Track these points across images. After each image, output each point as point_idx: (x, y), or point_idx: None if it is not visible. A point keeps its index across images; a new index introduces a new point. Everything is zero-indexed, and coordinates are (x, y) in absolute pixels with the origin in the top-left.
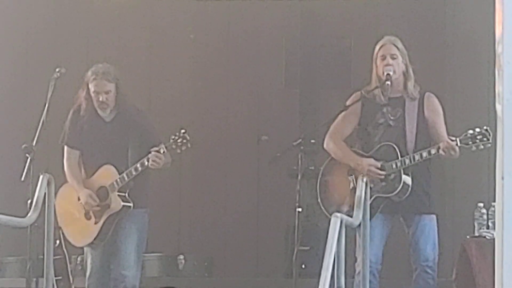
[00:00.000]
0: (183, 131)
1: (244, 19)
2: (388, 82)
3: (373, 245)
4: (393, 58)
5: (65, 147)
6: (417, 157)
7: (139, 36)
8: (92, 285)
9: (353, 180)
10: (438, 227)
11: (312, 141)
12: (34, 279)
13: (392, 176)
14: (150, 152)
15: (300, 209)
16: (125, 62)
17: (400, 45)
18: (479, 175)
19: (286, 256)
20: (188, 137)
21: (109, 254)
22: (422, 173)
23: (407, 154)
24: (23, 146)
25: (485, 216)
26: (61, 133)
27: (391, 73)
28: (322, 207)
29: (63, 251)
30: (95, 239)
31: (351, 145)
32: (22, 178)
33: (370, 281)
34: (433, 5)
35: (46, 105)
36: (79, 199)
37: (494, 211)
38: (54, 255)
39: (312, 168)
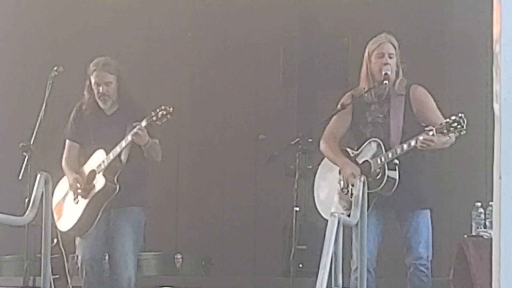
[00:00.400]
0: (163, 106)
1: (242, 18)
2: (386, 82)
3: (368, 242)
4: (390, 57)
5: (67, 141)
6: (399, 150)
7: (137, 35)
8: (86, 279)
9: (342, 178)
10: (433, 224)
11: (310, 140)
12: (32, 278)
13: (378, 171)
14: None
15: (297, 208)
16: (123, 61)
17: (396, 44)
18: (476, 174)
19: (283, 255)
20: (169, 109)
21: (100, 246)
22: (411, 168)
23: (391, 149)
24: (21, 144)
25: (482, 216)
26: (65, 128)
27: (389, 72)
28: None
29: (61, 249)
30: (79, 219)
31: (347, 145)
32: (20, 177)
33: (366, 279)
34: (431, 4)
35: (44, 104)
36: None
37: (491, 211)
38: (51, 254)
39: (310, 167)
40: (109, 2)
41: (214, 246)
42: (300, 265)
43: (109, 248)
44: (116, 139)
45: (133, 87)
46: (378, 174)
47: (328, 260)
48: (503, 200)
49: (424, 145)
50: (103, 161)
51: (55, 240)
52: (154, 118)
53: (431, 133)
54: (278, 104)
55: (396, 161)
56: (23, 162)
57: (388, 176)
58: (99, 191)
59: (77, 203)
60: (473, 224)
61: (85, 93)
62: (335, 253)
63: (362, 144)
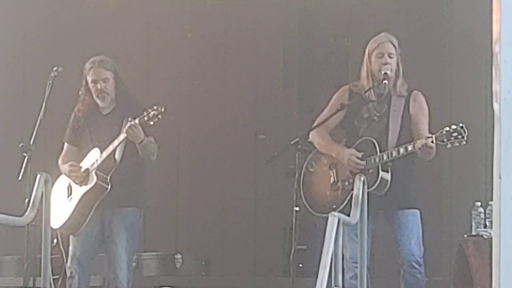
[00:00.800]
0: (155, 107)
1: (241, 17)
2: (386, 81)
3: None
4: (390, 57)
5: (65, 144)
6: (394, 153)
7: (137, 35)
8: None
9: (334, 174)
10: (433, 223)
11: (309, 140)
12: (31, 278)
13: (371, 170)
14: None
15: (297, 208)
16: (123, 61)
17: (396, 43)
18: (476, 174)
19: (283, 255)
20: (160, 109)
21: (92, 244)
22: (403, 169)
23: (387, 150)
24: (21, 145)
25: (482, 215)
26: (65, 131)
27: (389, 72)
28: (306, 205)
29: (61, 250)
30: (70, 217)
31: (339, 140)
32: (20, 177)
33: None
34: (431, 4)
35: (44, 104)
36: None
37: (491, 210)
38: (51, 254)
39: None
40: (109, 2)
41: (214, 246)
42: (300, 265)
43: (103, 249)
44: (112, 138)
45: (133, 87)
46: (371, 174)
47: (328, 260)
48: (503, 200)
49: (423, 152)
50: (96, 160)
51: (55, 241)
52: (145, 118)
53: (430, 140)
54: (278, 104)
55: (389, 163)
56: (23, 162)
57: (381, 178)
58: (89, 189)
59: (70, 200)
60: (473, 224)
61: (81, 93)
62: (335, 253)
63: (350, 139)
